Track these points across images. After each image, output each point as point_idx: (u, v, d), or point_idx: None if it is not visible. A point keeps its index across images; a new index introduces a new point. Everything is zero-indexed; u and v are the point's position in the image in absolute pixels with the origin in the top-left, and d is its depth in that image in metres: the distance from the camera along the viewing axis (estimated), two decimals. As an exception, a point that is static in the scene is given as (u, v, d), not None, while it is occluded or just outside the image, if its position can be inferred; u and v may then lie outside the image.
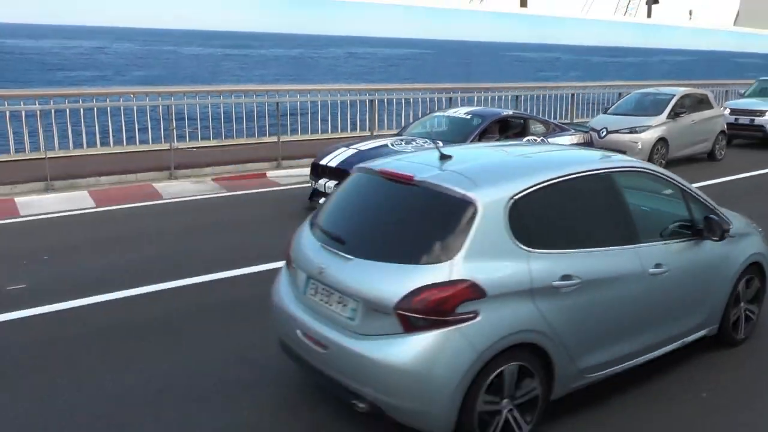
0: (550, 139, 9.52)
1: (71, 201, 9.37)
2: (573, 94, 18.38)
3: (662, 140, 12.15)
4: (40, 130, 10.60)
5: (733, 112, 15.54)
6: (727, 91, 22.20)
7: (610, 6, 58.65)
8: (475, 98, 16.41)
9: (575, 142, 9.89)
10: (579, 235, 3.69)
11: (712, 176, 11.54)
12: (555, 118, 17.61)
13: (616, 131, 12.15)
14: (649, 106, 12.94)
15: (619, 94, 16.92)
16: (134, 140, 12.45)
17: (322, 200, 8.24)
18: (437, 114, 10.22)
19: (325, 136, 14.18)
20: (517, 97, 17.02)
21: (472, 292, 3.16)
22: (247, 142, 13.37)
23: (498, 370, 3.24)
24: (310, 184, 8.79)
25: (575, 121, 17.14)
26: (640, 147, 11.81)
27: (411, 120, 13.08)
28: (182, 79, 12.77)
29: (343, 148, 8.62)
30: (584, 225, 3.78)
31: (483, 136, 8.79)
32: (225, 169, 11.37)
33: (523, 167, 3.85)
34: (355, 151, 8.46)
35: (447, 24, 17.69)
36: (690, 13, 50.68)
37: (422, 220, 3.51)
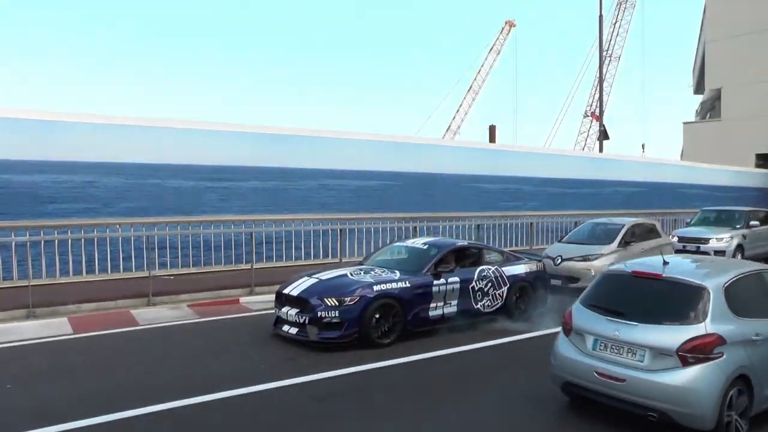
0: (504, 268, 10.43)
1: (50, 327, 9.63)
2: (532, 223, 19.49)
3: None
4: (29, 260, 11.22)
5: (681, 239, 16.46)
6: (675, 219, 23.82)
7: (570, 140, 63.08)
8: (440, 227, 17.36)
9: (528, 270, 10.79)
10: (756, 309, 5.88)
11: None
12: (515, 245, 18.75)
13: (570, 259, 12.77)
14: (601, 235, 13.71)
15: (575, 222, 17.99)
16: (118, 268, 13.00)
17: (286, 328, 8.68)
18: (397, 244, 10.77)
19: (298, 262, 14.98)
20: (478, 225, 17.90)
21: (720, 341, 5.33)
22: (223, 270, 14.03)
23: (733, 390, 5.31)
24: (274, 311, 9.19)
25: (535, 247, 18.36)
26: (593, 274, 12.19)
27: (380, 246, 13.86)
28: (165, 210, 13.72)
29: (306, 278, 9.03)
30: (756, 302, 5.97)
31: (439, 264, 9.38)
32: (201, 296, 11.88)
33: (720, 268, 6.22)
34: (316, 280, 8.88)
35: (415, 158, 19.12)
36: (643, 147, 54.97)
37: (677, 299, 5.70)
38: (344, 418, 6.12)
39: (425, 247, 10.01)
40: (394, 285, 8.82)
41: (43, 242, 12.27)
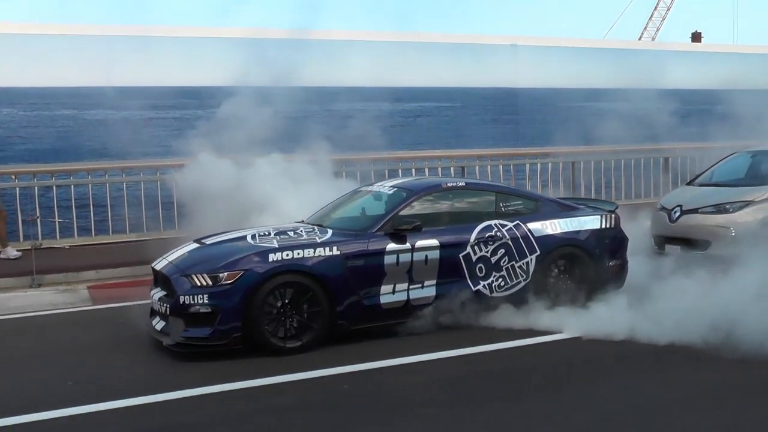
0: (532, 224, 8.48)
1: None
2: (667, 158, 17.19)
3: None
4: None
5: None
6: None
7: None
8: (508, 168, 16.00)
9: (583, 228, 8.78)
10: None
11: None
12: (638, 197, 16.67)
13: (695, 210, 10.82)
14: (761, 173, 11.62)
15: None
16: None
17: (155, 322, 7.76)
18: (363, 188, 9.70)
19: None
20: (573, 163, 16.54)
21: None
22: (157, 237, 13.00)
23: None
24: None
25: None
26: (733, 234, 10.26)
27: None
28: (86, 153, 13.32)
29: (191, 243, 8.26)
30: None
31: (400, 219, 7.97)
32: (113, 273, 11.50)
33: None
34: (198, 245, 8.08)
35: (481, 65, 17.17)
36: None
37: None
38: None
39: (392, 191, 8.75)
40: (309, 252, 7.53)
41: None
